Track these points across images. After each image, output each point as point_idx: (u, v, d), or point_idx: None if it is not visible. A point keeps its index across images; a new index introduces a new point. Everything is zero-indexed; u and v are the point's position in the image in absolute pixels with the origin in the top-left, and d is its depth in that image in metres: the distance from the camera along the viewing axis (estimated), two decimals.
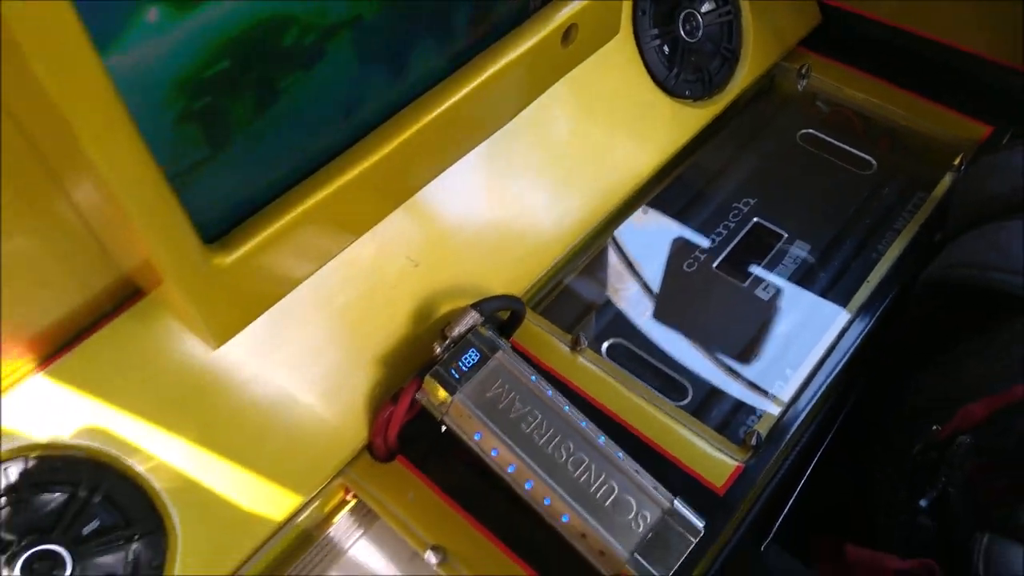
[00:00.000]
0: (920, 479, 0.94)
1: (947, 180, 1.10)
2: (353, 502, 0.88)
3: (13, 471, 0.69)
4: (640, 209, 1.11)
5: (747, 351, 0.97)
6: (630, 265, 1.06)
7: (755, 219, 1.11)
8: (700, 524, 0.78)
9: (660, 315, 1.01)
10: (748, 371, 0.96)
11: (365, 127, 0.69)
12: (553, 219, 1.00)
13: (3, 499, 0.69)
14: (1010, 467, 0.84)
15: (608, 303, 1.03)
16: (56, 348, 0.72)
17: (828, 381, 0.91)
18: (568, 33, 0.81)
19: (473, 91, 0.73)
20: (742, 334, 0.99)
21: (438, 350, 0.84)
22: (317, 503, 0.86)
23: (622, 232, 1.09)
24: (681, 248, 1.08)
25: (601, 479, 0.79)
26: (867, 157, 1.17)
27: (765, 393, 0.93)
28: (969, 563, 0.88)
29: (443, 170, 0.78)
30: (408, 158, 0.72)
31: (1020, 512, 0.82)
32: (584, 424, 0.81)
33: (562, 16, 0.79)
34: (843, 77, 1.23)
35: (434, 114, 0.71)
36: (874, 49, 1.23)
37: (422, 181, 0.77)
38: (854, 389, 0.98)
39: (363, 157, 0.68)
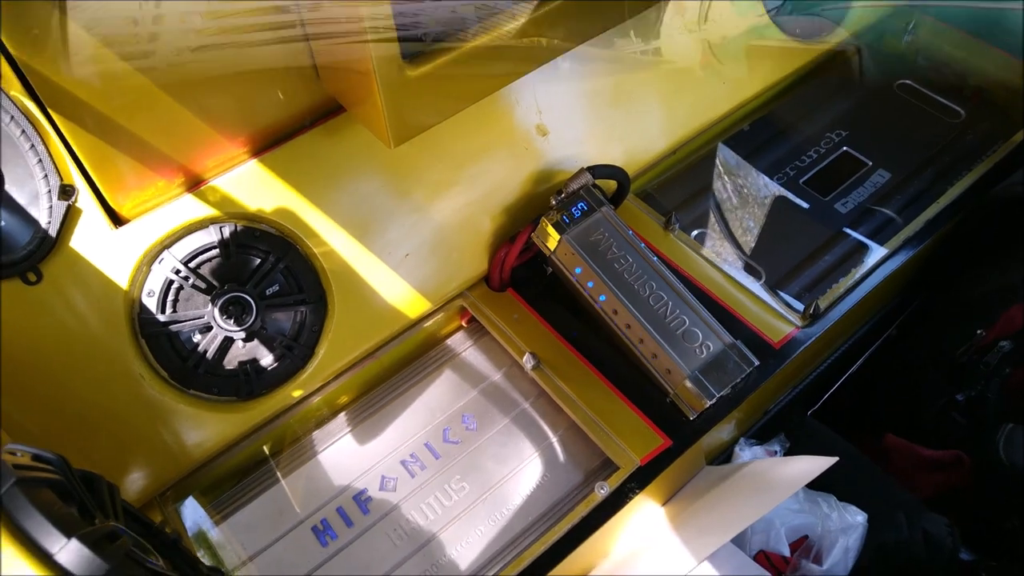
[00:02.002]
0: (961, 378, 1.06)
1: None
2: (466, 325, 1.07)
3: (226, 230, 0.91)
4: (745, 126, 1.25)
5: (821, 249, 1.10)
6: (728, 171, 1.21)
7: (844, 148, 1.23)
8: (755, 360, 0.93)
9: (746, 215, 1.16)
10: (819, 262, 1.09)
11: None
12: (666, 117, 1.16)
13: (216, 250, 0.91)
14: None
15: (704, 199, 1.17)
16: (267, 144, 0.93)
17: (890, 274, 1.04)
18: None
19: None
20: (818, 234, 1.12)
21: (553, 202, 1.02)
22: (441, 315, 1.05)
23: (724, 143, 1.23)
24: (774, 163, 1.22)
25: (675, 314, 0.95)
26: (957, 108, 1.28)
27: (833, 280, 1.06)
28: (995, 452, 1.00)
29: (575, 44, 0.94)
30: (546, 26, 0.89)
31: None
32: (668, 272, 0.98)
33: None
34: (944, 36, 1.34)
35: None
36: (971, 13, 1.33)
37: (555, 52, 0.94)
38: (917, 291, 1.10)
39: (511, 20, 0.86)
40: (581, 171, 1.02)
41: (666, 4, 1.07)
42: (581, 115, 1.10)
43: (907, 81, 1.33)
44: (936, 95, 1.30)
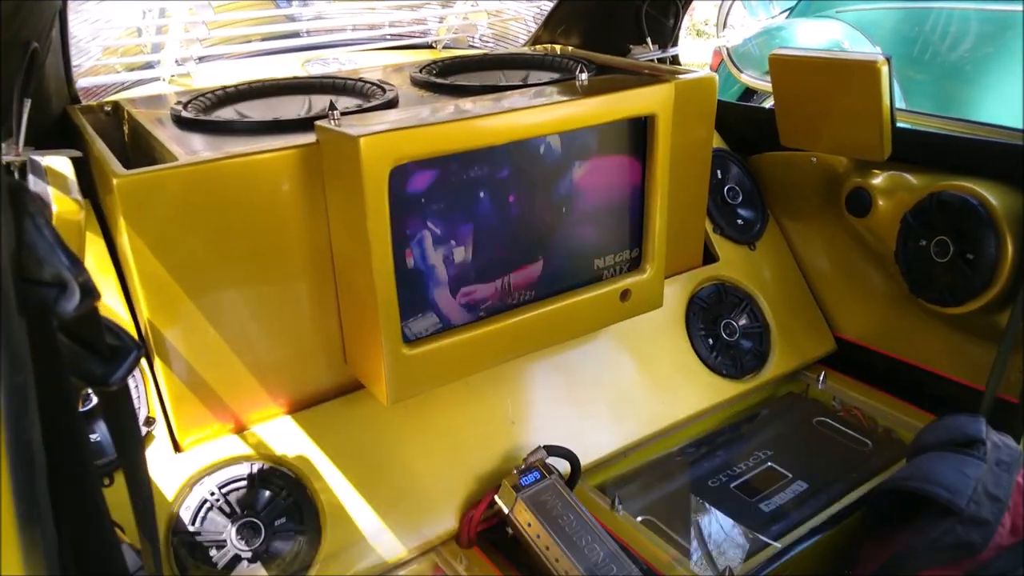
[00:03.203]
0: None
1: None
2: None
3: (255, 467, 1.18)
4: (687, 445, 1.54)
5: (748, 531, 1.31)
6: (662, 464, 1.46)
7: (768, 463, 1.49)
8: None
9: (679, 500, 1.38)
10: (743, 535, 1.28)
11: (497, 310, 1.25)
12: (614, 421, 1.46)
13: (244, 482, 1.17)
14: None
15: (650, 492, 1.41)
16: (301, 406, 1.25)
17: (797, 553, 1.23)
18: (625, 294, 1.37)
19: (565, 308, 1.28)
20: (743, 526, 1.33)
21: (514, 471, 1.28)
22: (414, 566, 1.25)
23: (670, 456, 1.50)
24: (710, 471, 1.47)
25: (606, 563, 1.14)
26: (866, 440, 1.55)
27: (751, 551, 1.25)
28: None
29: (537, 348, 1.29)
30: (517, 334, 1.26)
31: None
32: (601, 530, 1.19)
33: (623, 283, 1.36)
34: (852, 386, 1.67)
35: (540, 311, 1.26)
36: (876, 369, 1.67)
37: (521, 351, 1.29)
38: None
39: (489, 324, 1.23)
40: (538, 448, 1.30)
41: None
42: (545, 408, 1.41)
43: (825, 419, 1.62)
44: (848, 430, 1.58)
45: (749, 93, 2.69)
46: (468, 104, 1.19)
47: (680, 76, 1.48)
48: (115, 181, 1.01)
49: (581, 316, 1.33)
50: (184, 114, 1.26)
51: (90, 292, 0.41)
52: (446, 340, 1.18)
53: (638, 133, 1.31)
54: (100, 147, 1.17)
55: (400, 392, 1.16)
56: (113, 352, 0.45)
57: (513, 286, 1.26)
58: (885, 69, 1.36)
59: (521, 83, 1.45)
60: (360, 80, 1.45)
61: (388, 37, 1.83)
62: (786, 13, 3.82)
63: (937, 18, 3.60)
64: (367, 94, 1.41)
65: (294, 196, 1.13)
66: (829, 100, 1.47)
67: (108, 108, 1.44)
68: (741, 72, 1.86)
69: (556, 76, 1.57)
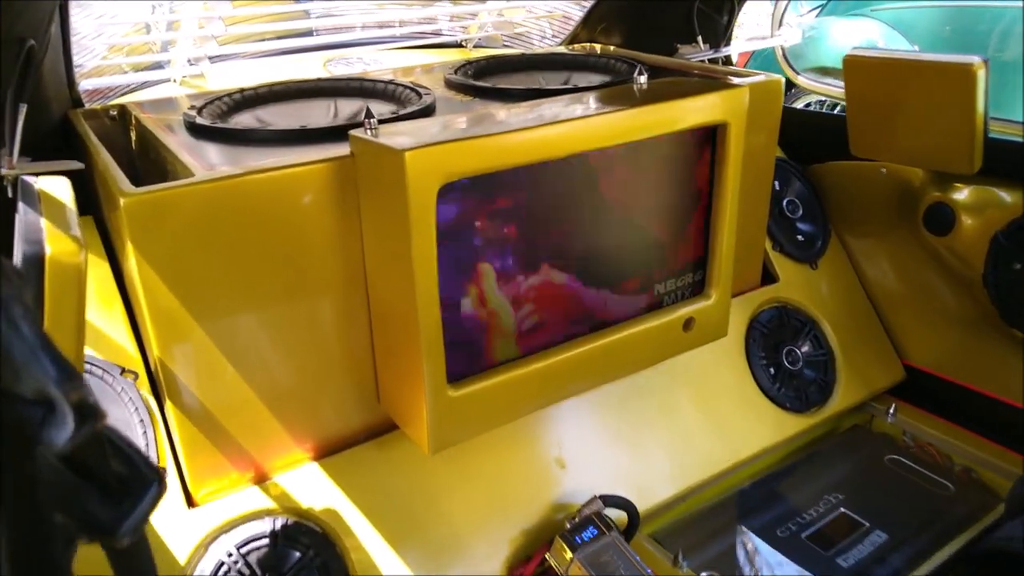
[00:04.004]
0: None
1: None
2: None
3: (279, 523, 1.04)
4: (745, 484, 1.39)
5: None
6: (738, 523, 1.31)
7: (841, 509, 1.35)
8: None
9: (746, 553, 1.24)
10: None
11: (551, 343, 1.10)
12: (672, 462, 1.31)
13: (267, 539, 1.03)
14: None
15: (713, 544, 1.27)
16: (328, 451, 1.10)
17: None
18: (688, 323, 1.22)
19: (623, 339, 1.14)
20: None
21: (568, 525, 1.14)
22: None
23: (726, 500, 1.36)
24: (776, 517, 1.32)
25: None
26: (945, 482, 1.40)
27: None
28: None
29: (592, 387, 1.15)
30: (575, 370, 1.12)
31: None
32: None
33: (686, 311, 1.21)
34: (925, 419, 1.52)
35: (599, 344, 1.11)
36: (949, 401, 1.53)
37: (576, 390, 1.15)
38: None
39: (542, 360, 1.09)
40: (593, 498, 1.16)
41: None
42: (598, 451, 1.27)
43: (897, 457, 1.48)
44: (924, 470, 1.44)
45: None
46: (523, 111, 1.04)
47: (746, 79, 1.33)
48: (122, 201, 0.87)
49: (642, 349, 1.19)
50: (199, 120, 1.12)
51: (89, 415, 0.28)
52: (496, 379, 1.04)
53: (705, 143, 1.17)
54: (104, 158, 1.03)
55: (444, 439, 1.02)
56: (124, 486, 0.30)
57: (570, 316, 1.12)
58: (982, 72, 1.22)
59: (571, 87, 1.31)
60: (391, 83, 1.31)
61: (415, 35, 1.69)
62: (816, 11, 3.68)
63: (978, 16, 3.46)
64: (400, 99, 1.27)
65: (325, 216, 0.99)
66: (912, 106, 1.32)
67: (114, 112, 1.30)
68: (798, 75, 1.72)
69: (604, 78, 1.42)
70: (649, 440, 1.32)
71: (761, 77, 1.37)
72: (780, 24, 1.62)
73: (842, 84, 1.41)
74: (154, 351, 0.96)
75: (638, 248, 1.16)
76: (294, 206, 0.97)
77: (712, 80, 1.24)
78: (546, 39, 1.93)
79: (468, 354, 1.04)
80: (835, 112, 2.67)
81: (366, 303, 1.06)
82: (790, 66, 1.74)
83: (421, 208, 0.90)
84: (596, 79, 1.42)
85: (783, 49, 1.66)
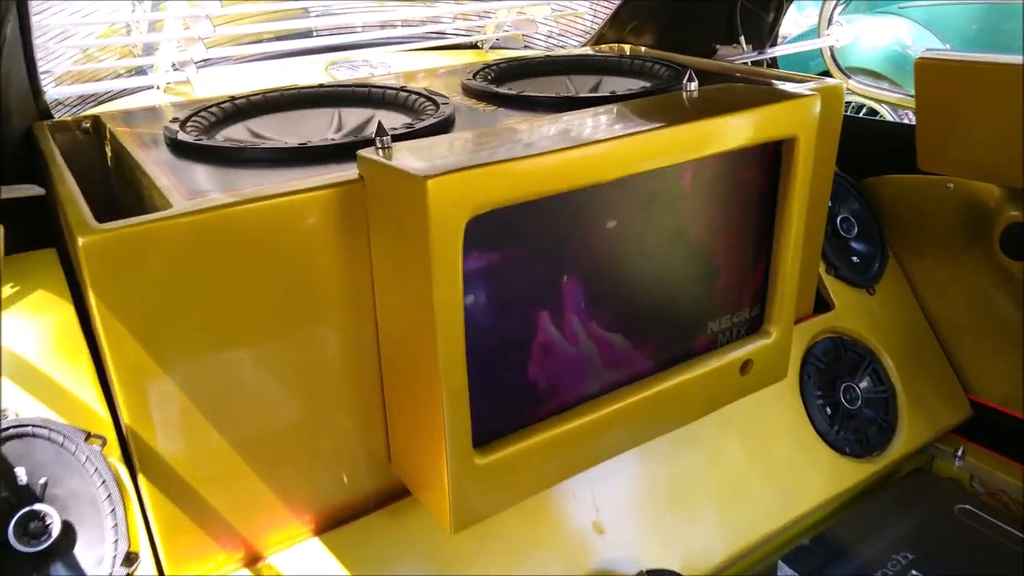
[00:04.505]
0: None
1: None
2: None
3: None
4: (805, 540, 1.23)
5: None
6: None
7: (913, 572, 1.19)
8: None
9: None
10: None
11: (591, 394, 0.94)
12: (724, 524, 1.15)
13: None
14: None
15: None
16: (331, 523, 0.94)
17: None
18: (745, 366, 1.06)
19: (672, 388, 0.98)
20: None
21: None
22: None
23: (784, 559, 1.20)
24: None
25: None
26: (1021, 535, 1.25)
27: None
28: None
29: (639, 443, 0.99)
30: (619, 425, 0.96)
31: None
32: None
33: (743, 352, 1.05)
34: (996, 463, 1.36)
35: (642, 396, 0.96)
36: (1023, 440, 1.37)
37: (621, 448, 0.99)
38: None
39: (581, 416, 0.93)
40: (640, 574, 1.00)
41: None
42: (641, 512, 1.11)
43: (967, 506, 1.32)
44: (999, 522, 1.28)
45: None
46: (561, 125, 0.88)
47: (804, 85, 1.17)
48: (80, 240, 0.71)
49: (694, 398, 1.03)
50: (181, 136, 0.96)
51: None
52: (530, 441, 0.88)
53: (768, 160, 1.01)
54: (67, 183, 0.87)
55: (469, 515, 0.86)
56: None
57: (612, 363, 0.96)
58: None
59: (608, 94, 1.15)
60: (403, 90, 1.15)
61: (427, 36, 1.53)
62: (840, 8, 3.51)
63: (1007, 13, 3.29)
64: (414, 108, 1.10)
65: (328, 253, 0.83)
66: (993, 115, 1.16)
67: (87, 124, 1.14)
68: (849, 78, 1.56)
69: (643, 84, 1.26)
70: (697, 496, 1.16)
71: (821, 82, 1.21)
72: (830, 23, 1.46)
73: (887, 87, 1.25)
74: (123, 414, 0.80)
75: (690, 281, 1.00)
76: (291, 242, 0.81)
77: (770, 88, 1.08)
78: (552, 39, 1.77)
79: (497, 413, 0.88)
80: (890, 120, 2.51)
81: (376, 351, 0.90)
82: (840, 69, 1.58)
83: (445, 245, 0.74)
84: (634, 85, 1.26)
85: (832, 50, 1.50)
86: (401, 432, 0.92)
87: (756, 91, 1.04)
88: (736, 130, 0.91)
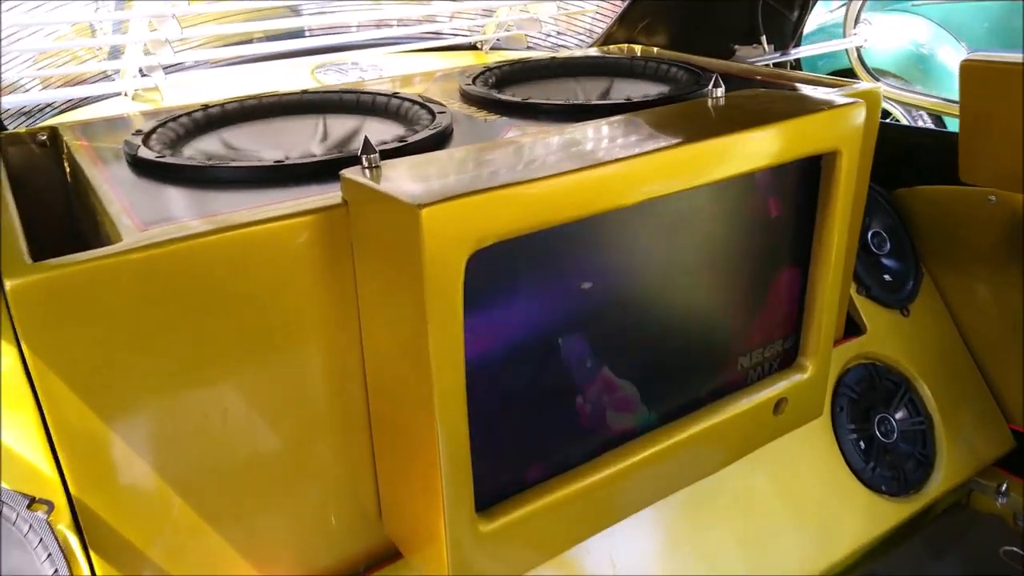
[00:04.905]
0: None
1: None
2: None
3: None
4: None
5: None
6: None
7: None
8: None
9: None
10: None
11: (608, 445, 0.83)
12: (753, 570, 1.04)
13: None
14: None
15: None
16: None
17: None
18: (779, 405, 0.95)
19: (698, 435, 0.87)
20: None
21: None
22: None
23: None
24: None
25: None
26: None
27: None
28: None
29: (660, 498, 0.88)
30: (641, 478, 0.85)
31: None
32: None
33: (776, 389, 0.94)
34: None
35: (664, 445, 0.84)
36: None
37: (639, 506, 0.88)
38: None
39: (599, 471, 0.82)
40: None
41: None
42: (661, 565, 1.00)
43: (1013, 548, 1.21)
44: None
45: None
46: (575, 139, 0.77)
47: (836, 89, 1.06)
48: (8, 284, 0.60)
49: (723, 443, 0.92)
50: (142, 153, 0.85)
51: None
52: (542, 502, 0.77)
53: (804, 176, 0.90)
54: (6, 211, 0.76)
55: None
56: None
57: (632, 410, 0.85)
58: None
59: (625, 101, 1.03)
60: (395, 96, 1.03)
61: (422, 36, 1.41)
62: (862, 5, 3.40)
63: (1017, 10, 3.18)
64: (407, 117, 0.99)
65: (305, 290, 0.72)
66: None
67: (43, 136, 1.02)
68: (877, 81, 1.45)
69: (660, 89, 1.15)
70: (724, 546, 1.05)
71: (856, 87, 1.10)
72: (856, 22, 1.34)
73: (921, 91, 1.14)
74: (68, 479, 0.69)
75: (719, 312, 0.89)
76: (262, 279, 0.69)
77: (804, 95, 0.97)
78: (551, 38, 1.65)
79: (502, 470, 0.77)
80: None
81: (364, 400, 0.79)
82: (868, 71, 1.47)
83: (443, 286, 0.63)
84: (649, 90, 1.15)
85: (858, 51, 1.38)
86: (393, 490, 0.81)
87: (789, 98, 0.93)
88: (774, 144, 0.80)
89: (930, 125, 2.67)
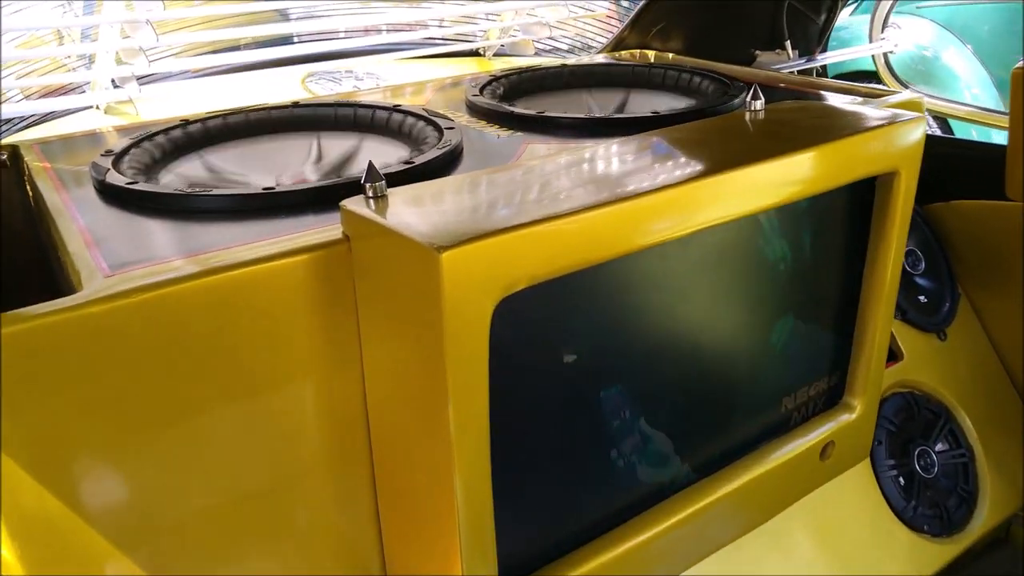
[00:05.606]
0: None
1: None
2: None
3: None
4: None
5: None
6: None
7: None
8: None
9: None
10: None
11: (642, 504, 0.74)
12: None
13: None
14: None
15: None
16: None
17: None
18: (825, 449, 0.86)
19: (742, 488, 0.78)
20: None
21: None
22: None
23: None
24: None
25: None
26: None
27: None
28: None
29: (701, 558, 0.79)
30: (670, 542, 0.75)
31: None
32: None
33: (822, 432, 0.85)
34: None
35: (706, 501, 0.75)
36: None
37: (679, 567, 0.79)
38: None
39: (632, 536, 0.72)
40: None
41: None
42: None
43: None
44: None
45: None
46: (605, 161, 0.67)
47: (880, 99, 0.97)
48: None
49: (767, 495, 0.82)
50: (111, 178, 0.74)
51: None
52: (574, 573, 0.67)
53: (854, 198, 0.81)
54: None
55: None
56: None
57: (670, 460, 0.75)
58: None
59: (651, 114, 0.94)
60: (397, 109, 0.93)
61: (423, 42, 1.31)
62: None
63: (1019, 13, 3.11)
64: (411, 135, 0.89)
65: (299, 340, 0.62)
66: None
67: (3, 156, 0.92)
68: (907, 88, 1.37)
69: (686, 101, 1.06)
70: None
71: (897, 97, 1.01)
72: (884, 27, 1.26)
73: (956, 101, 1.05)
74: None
75: (765, 348, 0.80)
76: (249, 328, 0.59)
77: (851, 109, 0.87)
78: (550, 39, 1.56)
79: (528, 537, 0.67)
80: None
81: (368, 456, 0.69)
82: (897, 79, 1.38)
83: (466, 337, 0.53)
84: (673, 102, 1.05)
85: (886, 57, 1.30)
86: (399, 542, 0.71)
87: (838, 113, 0.84)
88: (832, 165, 0.71)
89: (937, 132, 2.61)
